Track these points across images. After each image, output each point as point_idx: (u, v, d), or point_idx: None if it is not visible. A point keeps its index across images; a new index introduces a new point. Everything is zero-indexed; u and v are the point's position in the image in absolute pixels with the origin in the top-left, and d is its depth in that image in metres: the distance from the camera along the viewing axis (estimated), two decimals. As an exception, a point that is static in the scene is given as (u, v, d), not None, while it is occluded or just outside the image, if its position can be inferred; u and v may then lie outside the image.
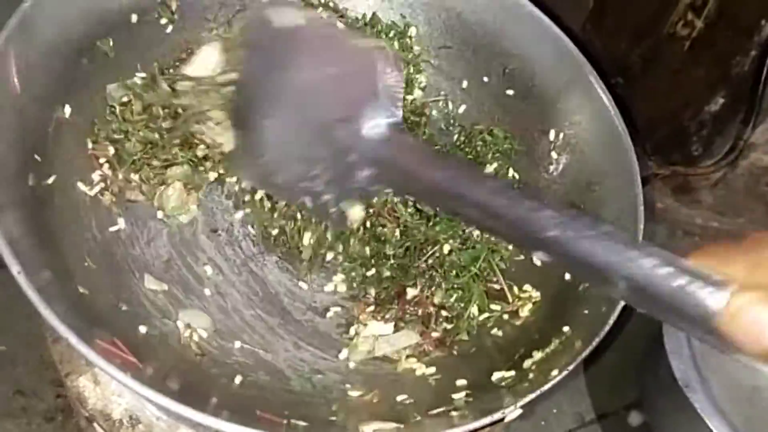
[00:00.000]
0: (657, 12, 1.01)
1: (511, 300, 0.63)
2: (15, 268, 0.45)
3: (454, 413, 0.51)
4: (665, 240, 1.16)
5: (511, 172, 0.72)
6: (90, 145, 0.62)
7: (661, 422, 0.94)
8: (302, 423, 0.49)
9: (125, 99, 0.65)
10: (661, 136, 1.14)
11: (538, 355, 0.55)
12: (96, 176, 0.62)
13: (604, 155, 0.66)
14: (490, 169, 0.71)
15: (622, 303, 0.54)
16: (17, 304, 0.86)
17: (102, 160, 0.62)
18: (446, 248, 0.63)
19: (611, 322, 0.53)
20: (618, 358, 1.03)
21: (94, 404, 0.58)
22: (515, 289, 0.64)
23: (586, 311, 0.57)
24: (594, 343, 0.51)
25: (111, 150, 0.63)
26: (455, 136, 0.75)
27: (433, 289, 0.61)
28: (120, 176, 0.63)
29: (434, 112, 0.76)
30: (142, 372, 0.47)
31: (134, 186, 0.63)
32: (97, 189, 0.61)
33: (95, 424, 0.59)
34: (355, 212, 0.57)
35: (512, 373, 0.55)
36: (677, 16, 0.99)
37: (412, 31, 0.75)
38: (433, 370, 0.58)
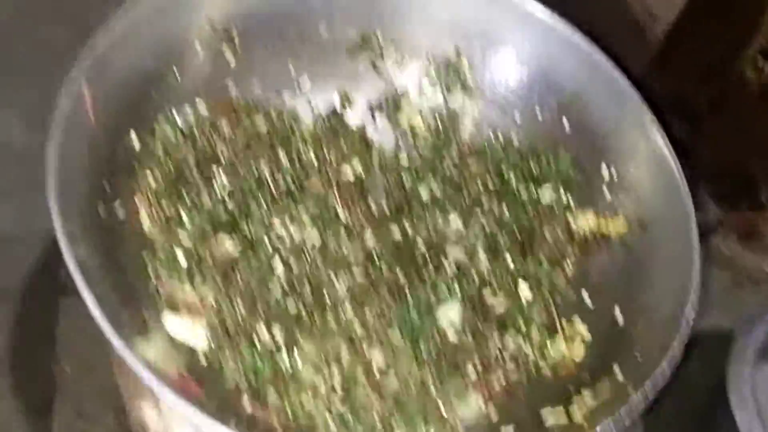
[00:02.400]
0: (726, 55, 1.02)
1: (560, 331, 0.64)
2: (90, 302, 0.47)
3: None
4: (730, 287, 1.14)
5: (565, 197, 0.72)
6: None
7: (722, 477, 0.93)
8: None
9: (170, 133, 0.66)
10: (728, 182, 1.14)
11: (586, 394, 0.56)
12: (139, 203, 0.62)
13: (658, 198, 0.66)
14: (546, 193, 0.72)
15: (675, 350, 0.54)
16: (81, 330, 0.90)
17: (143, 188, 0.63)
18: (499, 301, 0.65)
19: (665, 367, 0.53)
20: (678, 407, 1.01)
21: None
22: (563, 321, 0.65)
23: (637, 354, 0.57)
24: (646, 388, 0.52)
25: (151, 181, 0.64)
26: (511, 156, 0.75)
27: (485, 339, 0.62)
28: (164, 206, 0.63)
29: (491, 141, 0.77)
30: (208, 405, 0.49)
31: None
32: (145, 219, 0.62)
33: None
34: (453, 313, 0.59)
35: (560, 408, 0.56)
36: (747, 61, 0.99)
37: (465, 63, 0.76)
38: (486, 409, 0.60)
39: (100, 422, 0.84)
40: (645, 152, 0.68)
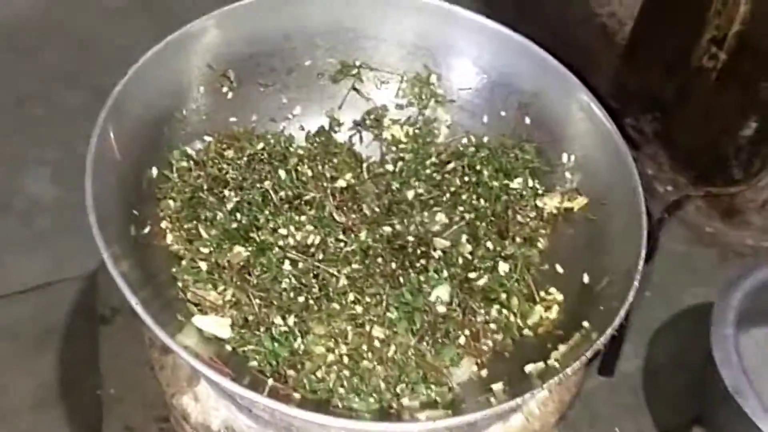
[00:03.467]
0: (683, 47, 1.10)
1: (539, 301, 0.73)
2: (133, 300, 0.57)
3: (492, 399, 0.61)
4: (717, 263, 1.21)
5: (532, 183, 0.81)
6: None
7: (722, 435, 0.98)
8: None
9: (184, 163, 0.76)
10: (701, 163, 1.22)
11: (562, 348, 0.65)
12: (164, 225, 0.72)
13: (610, 171, 0.75)
14: (516, 182, 0.81)
15: (631, 297, 0.63)
16: (122, 353, 1.01)
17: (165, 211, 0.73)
18: (483, 280, 0.74)
19: (622, 314, 0.62)
20: (676, 375, 1.08)
21: (196, 418, 0.69)
22: (542, 293, 0.74)
23: (601, 307, 0.66)
24: (608, 332, 0.61)
25: (171, 204, 0.73)
26: (482, 153, 0.84)
27: (473, 311, 0.71)
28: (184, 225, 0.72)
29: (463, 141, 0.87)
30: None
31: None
32: (170, 237, 0.72)
33: (198, 437, 0.71)
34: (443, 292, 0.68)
35: (541, 364, 0.64)
36: (702, 50, 1.07)
37: (433, 78, 0.87)
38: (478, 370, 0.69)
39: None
40: (594, 135, 0.77)
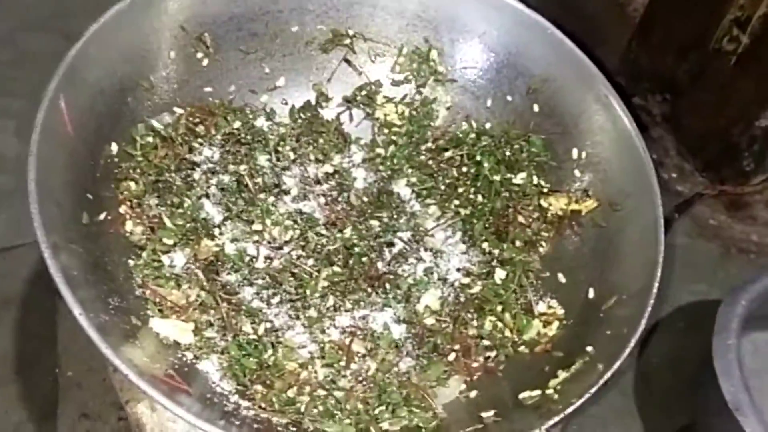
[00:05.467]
0: (702, 28, 1.03)
1: (537, 315, 0.66)
2: (76, 310, 0.49)
3: (482, 433, 0.54)
4: (719, 259, 1.15)
5: (537, 180, 0.73)
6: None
7: (713, 447, 0.94)
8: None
9: (149, 139, 0.67)
10: (711, 151, 1.15)
11: (562, 374, 0.58)
12: (123, 210, 0.64)
13: (626, 175, 0.68)
14: (519, 177, 0.74)
15: (642, 325, 0.57)
16: (82, 332, 0.93)
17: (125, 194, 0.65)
18: (476, 288, 0.67)
19: (632, 344, 0.55)
20: (669, 380, 1.02)
21: (151, 429, 0.62)
22: (541, 304, 0.67)
23: (608, 332, 0.59)
24: (615, 366, 0.54)
25: (132, 186, 0.65)
26: (484, 142, 0.76)
27: (465, 323, 0.64)
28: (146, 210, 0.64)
29: (463, 126, 0.79)
30: (192, 398, 0.51)
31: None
32: (130, 224, 0.64)
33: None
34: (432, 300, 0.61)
35: (538, 392, 0.58)
36: (722, 32, 1.00)
37: (434, 54, 0.78)
38: (466, 390, 0.62)
39: (103, 420, 0.88)
40: (612, 133, 0.69)
